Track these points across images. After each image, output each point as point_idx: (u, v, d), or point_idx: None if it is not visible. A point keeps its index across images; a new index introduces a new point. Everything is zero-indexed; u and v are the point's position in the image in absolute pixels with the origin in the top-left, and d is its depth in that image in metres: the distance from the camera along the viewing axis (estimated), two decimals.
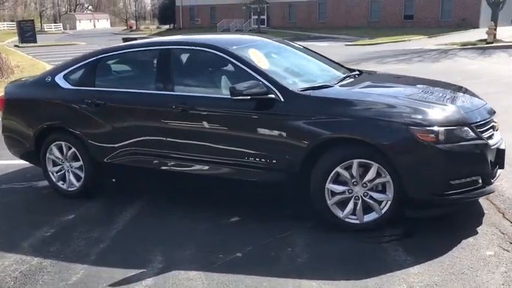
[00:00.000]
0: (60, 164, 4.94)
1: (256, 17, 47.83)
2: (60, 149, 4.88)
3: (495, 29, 19.95)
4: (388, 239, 3.64)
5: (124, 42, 5.22)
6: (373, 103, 3.70)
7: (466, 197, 3.62)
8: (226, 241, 3.81)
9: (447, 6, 37.66)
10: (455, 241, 3.52)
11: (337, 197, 3.72)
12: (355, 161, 3.61)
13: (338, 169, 3.65)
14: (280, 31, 42.65)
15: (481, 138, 3.59)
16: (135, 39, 5.31)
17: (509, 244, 3.45)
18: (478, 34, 25.50)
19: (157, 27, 67.47)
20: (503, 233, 3.61)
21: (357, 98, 3.82)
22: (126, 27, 79.58)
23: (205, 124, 4.12)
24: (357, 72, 4.75)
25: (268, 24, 47.19)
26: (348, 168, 3.65)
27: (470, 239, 3.55)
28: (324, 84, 4.13)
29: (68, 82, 4.84)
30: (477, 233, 3.64)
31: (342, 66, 5.04)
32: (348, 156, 3.63)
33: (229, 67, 4.22)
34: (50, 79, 4.95)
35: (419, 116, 3.53)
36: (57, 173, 4.97)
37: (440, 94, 4.17)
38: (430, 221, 3.78)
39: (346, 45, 28.54)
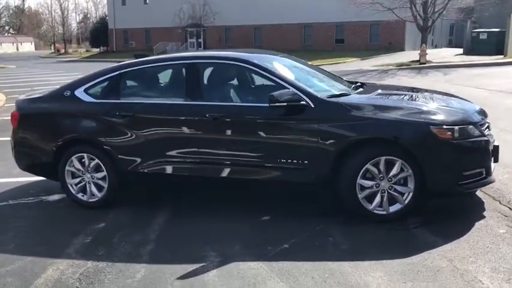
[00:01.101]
0: (80, 176, 5.03)
1: (193, 40, 48.36)
2: (81, 160, 4.99)
3: (426, 51, 21.74)
4: (413, 226, 4.15)
5: (136, 58, 5.44)
6: (394, 107, 4.26)
7: (475, 186, 4.24)
8: (268, 236, 4.15)
9: (375, 31, 40.16)
10: (470, 224, 4.10)
11: (367, 191, 4.20)
12: (383, 158, 4.12)
13: (368, 166, 4.14)
14: None
15: (484, 135, 4.24)
16: (147, 55, 5.54)
17: None
18: (407, 56, 27.57)
19: (87, 50, 66.13)
20: (505, 216, 4.25)
21: (379, 103, 4.36)
22: (53, 51, 77.16)
23: (238, 131, 4.47)
24: (360, 84, 5.31)
25: (205, 47, 47.74)
26: (376, 164, 4.14)
27: (482, 222, 4.15)
28: (342, 92, 4.63)
29: (89, 95, 4.99)
30: (484, 217, 4.26)
31: (342, 78, 5.59)
32: (376, 154, 4.12)
33: (259, 78, 4.61)
34: (69, 93, 5.07)
35: (437, 117, 4.13)
36: (76, 185, 5.06)
37: (445, 99, 4.82)
38: (443, 210, 4.34)
39: None
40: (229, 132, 4.50)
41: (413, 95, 4.96)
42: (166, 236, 4.30)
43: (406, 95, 5.01)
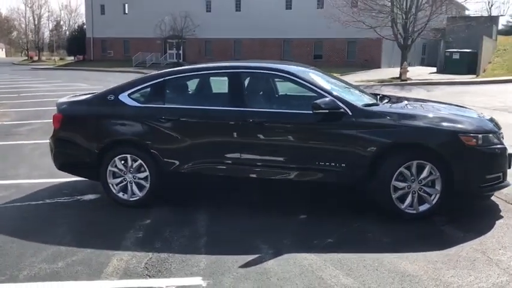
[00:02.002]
0: (121, 176, 5.30)
1: (173, 51, 48.55)
2: (124, 161, 5.26)
3: (407, 69, 22.67)
4: (441, 224, 4.61)
5: (174, 66, 5.77)
6: (424, 116, 4.74)
7: (494, 189, 4.74)
8: (311, 232, 4.53)
9: (352, 48, 41.34)
10: (491, 223, 4.59)
11: (400, 192, 4.64)
12: (415, 162, 4.57)
13: (401, 169, 4.58)
14: None
15: (502, 144, 4.75)
16: (183, 64, 5.88)
17: None
18: (385, 73, 28.59)
19: (61, 58, 65.39)
20: None
21: (410, 112, 4.84)
22: (26, 58, 75.88)
23: (279, 135, 4.87)
24: (384, 95, 5.77)
25: (184, 59, 47.98)
26: (408, 168, 4.59)
27: (501, 221, 4.65)
28: (373, 102, 5.09)
29: (134, 100, 5.30)
30: (502, 217, 4.76)
31: (365, 90, 6.06)
32: (409, 158, 4.58)
33: (298, 88, 5.02)
34: (112, 97, 5.37)
35: (464, 126, 4.63)
36: (117, 185, 5.32)
37: (464, 110, 5.34)
38: (465, 211, 4.82)
39: None
40: (270, 136, 4.89)
41: (438, 106, 5.46)
42: (215, 232, 4.61)
43: (431, 105, 5.51)
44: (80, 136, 5.43)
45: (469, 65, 32.61)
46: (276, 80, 5.24)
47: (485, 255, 3.91)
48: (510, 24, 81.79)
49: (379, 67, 38.39)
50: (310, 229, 4.61)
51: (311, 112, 4.73)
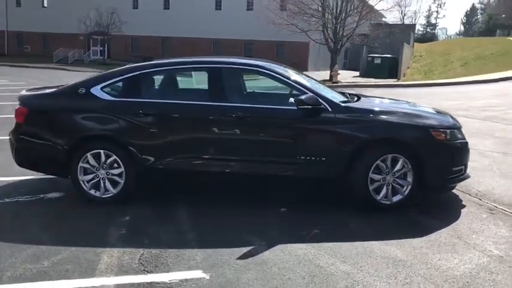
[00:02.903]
0: (93, 172, 5.11)
1: (97, 47, 46.81)
2: (96, 157, 5.08)
3: (338, 72, 23.59)
4: (414, 214, 4.91)
5: (144, 61, 5.65)
6: (399, 112, 5.04)
7: (458, 180, 5.13)
8: (295, 224, 4.65)
9: (281, 50, 42.25)
10: (458, 212, 4.97)
11: (376, 184, 4.89)
12: (390, 156, 4.84)
13: (378, 162, 4.83)
14: (125, 63, 42.44)
15: (464, 138, 5.16)
16: (152, 59, 5.76)
17: (490, 211, 5.02)
18: (315, 75, 29.38)
19: None
20: (480, 205, 5.21)
21: (386, 109, 5.11)
22: None
23: (260, 130, 4.94)
24: (354, 94, 6.01)
25: (109, 56, 46.43)
26: (384, 161, 4.85)
27: (465, 209, 5.05)
28: (347, 99, 5.31)
29: (107, 94, 5.12)
30: (465, 206, 5.17)
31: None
32: (385, 152, 4.84)
33: (274, 84, 5.12)
34: (83, 91, 5.15)
35: (434, 122, 4.98)
36: (89, 181, 5.12)
37: (429, 108, 5.71)
38: (432, 203, 5.18)
39: None
40: (250, 131, 4.95)
41: (408, 104, 5.80)
42: (200, 226, 4.59)
43: (402, 103, 5.83)
44: (48, 131, 5.16)
45: (389, 69, 34.59)
46: (256, 76, 5.30)
47: (462, 240, 4.25)
48: (420, 32, 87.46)
49: (306, 70, 39.52)
50: (294, 221, 4.73)
51: (292, 108, 4.86)
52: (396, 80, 29.64)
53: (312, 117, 4.86)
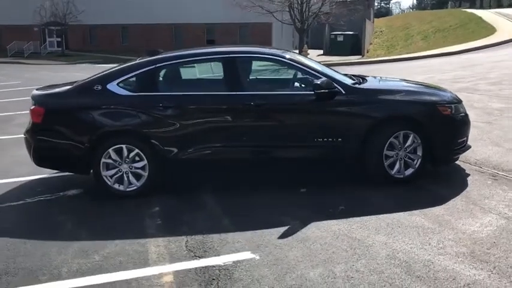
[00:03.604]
0: (116, 167, 5.21)
1: (53, 39, 45.48)
2: (118, 152, 5.18)
3: (308, 51, 23.92)
4: (427, 185, 5.28)
5: (148, 53, 5.73)
6: (407, 91, 5.37)
7: (462, 150, 5.52)
8: (319, 203, 4.92)
9: (244, 32, 42.17)
10: (464, 181, 5.37)
11: (390, 160, 5.21)
12: (402, 132, 5.17)
13: (391, 139, 5.15)
14: (85, 54, 41.55)
15: (465, 112, 5.54)
16: (160, 51, 5.84)
17: (493, 177, 5.45)
18: None
19: None
20: (482, 172, 5.63)
21: (394, 88, 5.44)
22: None
23: (277, 116, 5.17)
24: (357, 75, 6.27)
25: (67, 47, 45.17)
26: (396, 137, 5.18)
27: (470, 178, 5.45)
28: (356, 81, 5.58)
29: (124, 89, 5.21)
30: (469, 174, 5.57)
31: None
32: (397, 129, 5.16)
33: (291, 71, 5.33)
34: (99, 87, 5.22)
35: (439, 98, 5.33)
36: (112, 176, 5.23)
37: (433, 86, 6.07)
38: (439, 173, 5.57)
39: None
40: (271, 118, 5.17)
41: (413, 83, 6.14)
42: (231, 211, 4.80)
43: (408, 82, 6.16)
44: (68, 130, 5.21)
45: (352, 46, 35.29)
46: (270, 64, 5.49)
47: (477, 206, 4.64)
48: (375, 8, 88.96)
49: None
50: (317, 200, 5.00)
51: (308, 92, 5.10)
52: (360, 56, 30.31)
53: (327, 100, 5.11)
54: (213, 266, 3.71)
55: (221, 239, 4.18)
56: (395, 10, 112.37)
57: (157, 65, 5.30)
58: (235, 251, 3.94)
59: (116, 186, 5.24)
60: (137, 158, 5.20)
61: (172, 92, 5.29)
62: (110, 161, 5.19)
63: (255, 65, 5.60)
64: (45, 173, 6.10)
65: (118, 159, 5.19)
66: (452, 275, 3.42)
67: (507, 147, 6.61)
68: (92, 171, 5.29)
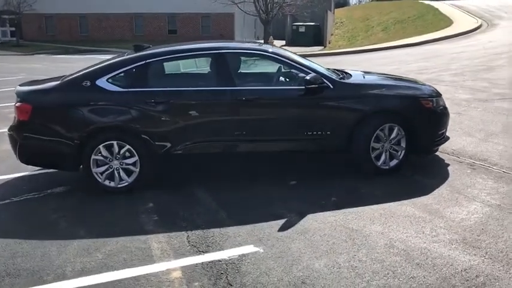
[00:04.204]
0: (106, 164, 5.18)
1: (6, 28, 43.76)
2: (109, 148, 5.15)
3: (274, 42, 24.03)
4: (410, 175, 5.51)
5: (136, 49, 5.69)
6: (391, 85, 5.58)
7: (442, 142, 5.78)
8: (311, 195, 5.05)
9: (206, 23, 41.84)
10: (445, 171, 5.62)
11: (376, 152, 5.41)
12: (387, 125, 5.37)
13: (378, 132, 5.34)
14: (42, 44, 40.19)
15: (445, 104, 5.80)
16: (149, 47, 5.80)
17: (471, 166, 5.74)
18: None
19: None
20: (460, 162, 5.91)
21: (379, 83, 5.62)
22: None
23: (270, 110, 5.27)
24: (341, 70, 6.43)
25: (22, 37, 43.53)
26: (382, 130, 5.37)
27: (450, 167, 5.72)
28: (342, 76, 5.74)
29: (114, 85, 5.17)
30: (449, 164, 5.84)
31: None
32: (383, 122, 5.35)
33: (279, 66, 5.43)
34: (88, 83, 5.16)
35: (422, 92, 5.57)
36: (102, 173, 5.19)
37: (414, 80, 6.29)
38: (421, 164, 5.82)
39: None
40: (262, 112, 5.26)
41: (395, 77, 6.34)
42: (226, 205, 4.86)
43: (390, 77, 6.36)
44: (56, 126, 5.13)
45: (314, 37, 35.69)
46: (259, 59, 5.56)
47: (461, 194, 4.89)
48: None
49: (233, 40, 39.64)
50: (308, 192, 5.13)
51: (298, 87, 5.22)
52: (322, 47, 30.70)
53: (316, 95, 5.24)
54: (219, 261, 3.78)
55: (222, 233, 4.25)
56: (352, 0, 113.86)
57: (148, 61, 5.28)
58: (238, 245, 4.02)
59: (107, 182, 5.22)
60: (128, 154, 5.18)
61: (163, 87, 5.28)
62: (100, 157, 5.15)
63: (243, 60, 5.66)
64: (25, 171, 5.98)
65: (109, 155, 5.16)
66: (448, 261, 3.63)
67: (479, 137, 6.94)
68: (80, 168, 5.23)
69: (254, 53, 5.63)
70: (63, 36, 43.24)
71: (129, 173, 5.22)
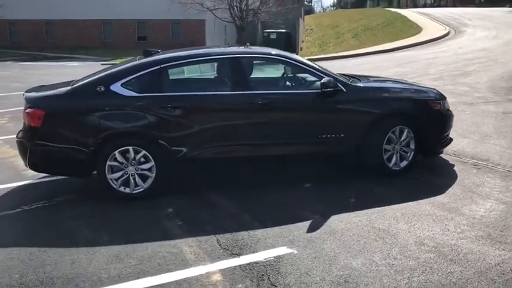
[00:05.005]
0: (121, 170, 5.11)
1: None
2: (124, 154, 5.09)
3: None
4: (421, 176, 5.66)
5: (145, 54, 5.66)
6: (401, 89, 5.74)
7: (448, 143, 5.97)
8: (329, 197, 5.13)
9: (176, 29, 41.64)
10: (453, 171, 5.81)
11: (388, 154, 5.54)
12: (398, 127, 5.51)
13: (390, 134, 5.48)
14: (6, 50, 39.04)
15: (449, 107, 6.00)
16: (157, 51, 5.78)
17: (475, 166, 5.96)
18: None
19: None
20: (464, 163, 6.12)
21: (390, 86, 5.77)
22: None
23: (285, 114, 5.33)
24: (350, 74, 6.54)
25: None
26: (393, 132, 5.51)
27: (456, 168, 5.92)
28: (352, 80, 5.86)
29: (129, 90, 5.12)
30: (454, 165, 6.03)
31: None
32: (394, 124, 5.49)
33: (294, 70, 5.51)
34: (103, 88, 5.09)
35: (430, 95, 5.75)
36: (117, 179, 5.12)
37: (421, 84, 6.48)
38: (429, 165, 5.99)
39: (102, 64, 29.13)
40: (277, 116, 5.31)
41: (404, 81, 6.52)
42: (246, 209, 4.85)
43: (399, 81, 6.53)
44: (70, 133, 5.03)
45: (285, 44, 35.96)
46: (274, 64, 5.63)
47: (474, 193, 5.07)
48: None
49: None
50: (325, 194, 5.20)
51: (313, 91, 5.31)
52: (295, 54, 31.05)
53: (331, 98, 5.33)
54: (256, 263, 3.79)
55: (250, 235, 4.27)
56: (317, 8, 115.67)
57: (163, 65, 5.25)
58: (271, 247, 4.04)
59: (122, 189, 5.14)
60: (143, 160, 5.13)
61: (179, 92, 5.26)
62: (115, 163, 5.08)
63: (257, 64, 5.71)
64: (22, 180, 5.90)
65: (124, 161, 5.09)
66: (480, 256, 3.76)
67: (475, 138, 7.20)
68: (94, 174, 5.15)
69: (270, 57, 5.68)
70: (28, 42, 42.10)
71: (144, 178, 5.17)
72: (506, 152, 6.48)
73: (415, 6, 71.49)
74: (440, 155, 6.32)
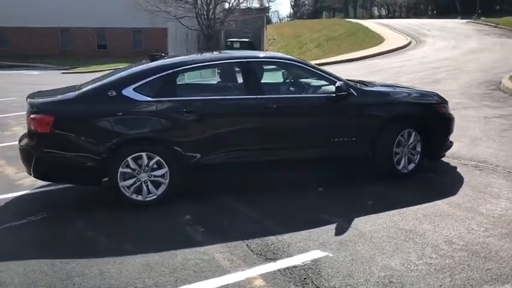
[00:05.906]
0: (134, 177, 4.95)
1: None
2: (137, 160, 4.93)
3: None
4: (428, 178, 5.78)
5: (151, 58, 5.55)
6: (408, 93, 5.86)
7: (450, 146, 6.12)
8: (346, 200, 5.15)
9: (138, 38, 41.11)
10: (457, 173, 5.95)
11: (397, 156, 5.63)
12: (406, 131, 5.62)
13: (399, 137, 5.57)
14: None
15: (451, 111, 6.18)
16: (163, 56, 5.66)
17: (477, 168, 6.14)
18: None
19: None
20: (465, 165, 6.29)
21: (398, 90, 5.88)
22: None
23: (299, 118, 5.33)
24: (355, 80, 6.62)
25: None
26: (402, 135, 5.61)
27: (459, 169, 6.08)
28: (358, 85, 5.93)
29: (142, 95, 4.97)
30: (456, 167, 6.20)
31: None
32: (403, 127, 5.59)
33: (305, 75, 5.53)
34: (114, 93, 4.93)
35: (435, 98, 5.89)
36: (129, 187, 4.95)
37: (421, 88, 6.63)
38: (433, 168, 6.12)
39: (63, 73, 28.44)
40: (291, 120, 5.30)
41: (407, 86, 6.65)
42: (267, 214, 4.80)
43: (403, 86, 6.66)
44: (81, 139, 4.83)
45: None
46: (286, 68, 5.62)
47: (485, 193, 5.21)
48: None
49: None
50: (340, 198, 5.22)
51: (327, 95, 5.34)
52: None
53: (343, 102, 5.37)
54: (295, 267, 3.74)
55: (279, 240, 4.21)
56: (274, 19, 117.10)
57: (176, 70, 5.14)
58: (305, 251, 4.00)
59: (134, 196, 4.97)
60: (156, 166, 4.99)
61: (193, 96, 5.16)
62: (127, 170, 4.91)
63: (269, 68, 5.70)
64: (18, 190, 5.66)
65: (136, 167, 4.93)
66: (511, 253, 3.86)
67: (466, 142, 7.43)
68: (105, 181, 4.96)
69: (282, 62, 5.68)
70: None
71: (157, 185, 5.02)
72: (500, 154, 6.72)
73: (371, 17, 73.60)
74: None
